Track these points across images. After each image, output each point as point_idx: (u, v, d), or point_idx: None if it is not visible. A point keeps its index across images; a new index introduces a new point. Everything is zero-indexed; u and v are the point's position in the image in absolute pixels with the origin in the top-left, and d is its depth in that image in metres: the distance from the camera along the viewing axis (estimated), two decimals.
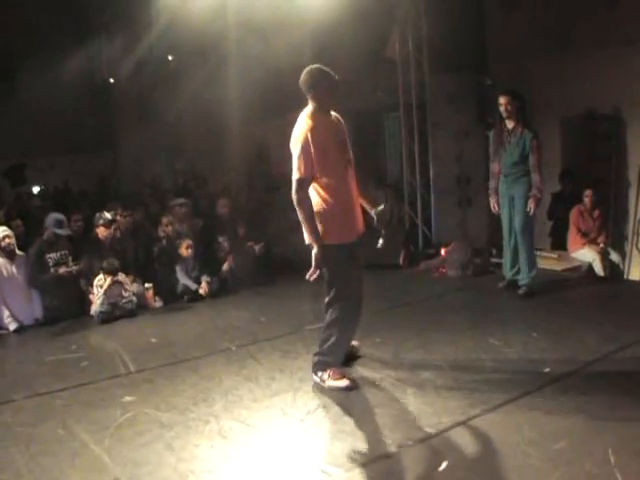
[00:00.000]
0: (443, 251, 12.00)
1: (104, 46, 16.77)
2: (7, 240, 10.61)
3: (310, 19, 13.79)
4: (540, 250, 12.18)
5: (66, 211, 12.08)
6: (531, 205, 9.28)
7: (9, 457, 5.71)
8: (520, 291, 9.73)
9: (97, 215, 11.46)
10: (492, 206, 10.00)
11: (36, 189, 20.36)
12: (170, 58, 17.66)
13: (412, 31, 13.05)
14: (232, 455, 5.22)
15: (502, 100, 9.48)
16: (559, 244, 12.68)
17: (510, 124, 9.59)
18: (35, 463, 5.53)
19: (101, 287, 10.43)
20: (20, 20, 15.40)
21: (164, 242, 11.55)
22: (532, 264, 9.81)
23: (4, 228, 10.83)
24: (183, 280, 11.08)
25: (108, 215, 11.32)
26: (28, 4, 15.00)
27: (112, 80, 19.58)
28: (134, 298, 10.50)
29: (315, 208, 6.48)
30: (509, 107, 9.45)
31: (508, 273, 10.09)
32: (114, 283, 10.46)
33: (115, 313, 10.30)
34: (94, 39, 16.49)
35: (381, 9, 13.01)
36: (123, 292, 10.47)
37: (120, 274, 10.60)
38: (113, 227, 11.34)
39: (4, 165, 19.08)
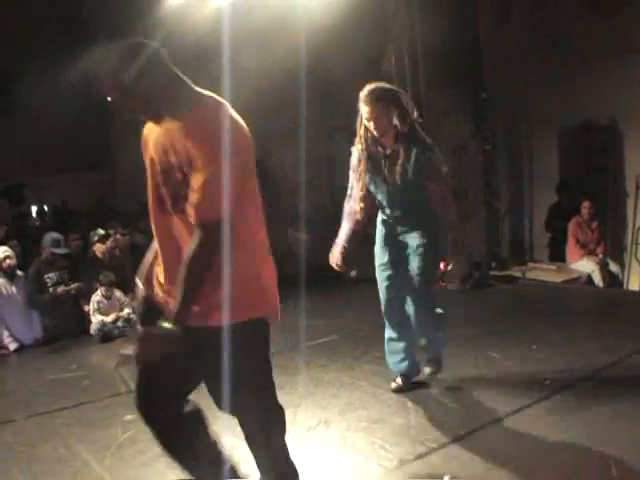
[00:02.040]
0: (442, 265, 11.99)
1: (102, 61, 16.81)
2: (8, 261, 10.63)
3: (305, 34, 13.84)
4: (539, 262, 12.22)
5: (64, 230, 12.12)
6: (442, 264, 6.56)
7: (10, 477, 5.71)
8: (428, 370, 6.87)
9: (92, 233, 11.52)
10: (334, 263, 6.90)
11: (34, 208, 20.38)
12: None
13: (408, 45, 13.08)
14: (234, 473, 5.18)
15: (366, 109, 6.21)
16: (557, 256, 12.71)
17: (387, 143, 6.26)
18: None
19: (97, 303, 10.46)
20: (16, 37, 15.46)
21: None
22: (443, 339, 6.87)
23: (5, 248, 10.85)
24: None
25: (101, 230, 11.37)
26: (25, 21, 15.04)
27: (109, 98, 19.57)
28: (133, 316, 10.50)
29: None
30: (379, 119, 6.12)
31: (401, 366, 6.75)
32: (110, 296, 10.49)
33: (115, 332, 10.31)
34: (90, 55, 16.52)
35: (376, 24, 13.04)
36: (121, 310, 10.50)
37: (117, 291, 10.63)
38: (109, 242, 11.39)
39: (2, 185, 19.11)
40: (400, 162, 6.20)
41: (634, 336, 7.81)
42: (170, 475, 5.16)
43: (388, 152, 6.28)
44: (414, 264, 6.57)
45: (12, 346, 10.58)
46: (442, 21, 12.05)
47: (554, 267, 12.18)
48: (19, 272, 10.86)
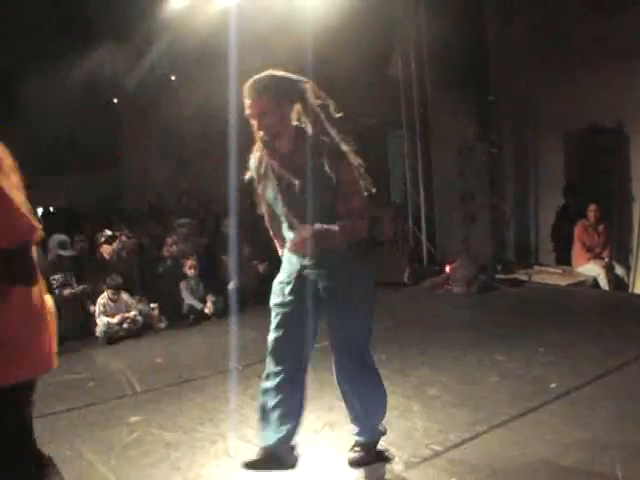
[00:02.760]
0: (448, 268, 11.99)
1: (106, 64, 16.78)
2: None
3: (310, 37, 13.83)
4: (545, 265, 12.21)
5: (70, 232, 12.11)
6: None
7: None
8: (352, 455, 5.26)
9: (98, 234, 11.54)
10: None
11: (39, 210, 20.39)
12: (173, 78, 17.67)
13: (414, 48, 13.09)
14: (239, 475, 5.17)
15: (247, 102, 4.73)
16: (563, 259, 12.69)
17: (281, 146, 4.84)
18: None
19: (103, 305, 10.46)
20: (19, 37, 15.43)
21: (169, 262, 11.55)
22: (382, 408, 5.27)
23: None
24: (188, 300, 11.06)
25: (108, 232, 11.38)
26: (26, 21, 15.01)
27: (115, 100, 19.61)
28: (139, 318, 10.48)
29: None
30: (266, 116, 4.70)
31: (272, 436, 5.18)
32: (117, 299, 10.48)
33: (120, 333, 10.30)
34: (96, 57, 16.50)
35: (382, 27, 13.05)
36: (128, 312, 10.49)
37: (124, 293, 10.62)
38: (116, 244, 11.40)
39: None
40: (295, 173, 4.74)
41: (638, 339, 7.82)
42: (175, 476, 5.16)
43: (283, 160, 4.84)
44: (331, 317, 5.14)
45: None
46: (448, 23, 12.04)
47: (560, 270, 12.19)
48: None
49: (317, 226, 4.64)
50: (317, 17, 12.52)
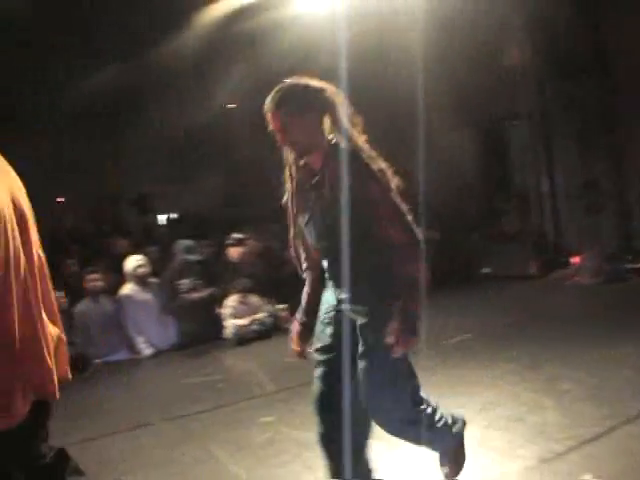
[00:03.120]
0: (575, 259, 11.87)
1: (223, 72, 16.99)
2: (140, 270, 10.93)
3: (423, 33, 13.82)
4: None
5: (197, 237, 12.37)
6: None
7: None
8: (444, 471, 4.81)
9: (226, 238, 11.75)
10: (295, 348, 4.92)
11: (162, 217, 20.80)
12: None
13: (530, 37, 12.97)
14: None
15: (268, 117, 4.16)
16: None
17: (313, 163, 4.27)
18: None
19: (233, 307, 10.63)
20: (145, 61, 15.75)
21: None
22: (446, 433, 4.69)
23: (139, 257, 11.14)
24: None
25: (236, 235, 11.56)
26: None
27: (231, 105, 19.86)
28: (268, 319, 10.65)
29: None
30: (289, 132, 4.11)
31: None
32: (246, 301, 10.65)
33: (250, 335, 10.46)
34: (212, 65, 16.71)
35: (498, 17, 12.97)
36: (257, 314, 10.65)
37: (253, 295, 10.79)
38: (244, 247, 11.57)
39: (132, 194, 19.60)
40: (326, 194, 4.17)
41: None
42: (306, 475, 5.23)
43: (314, 180, 4.26)
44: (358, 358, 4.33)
45: (147, 351, 10.87)
46: (564, 11, 11.92)
47: None
48: (153, 279, 11.16)
49: (394, 325, 4.13)
50: (430, 11, 12.54)
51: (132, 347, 11.01)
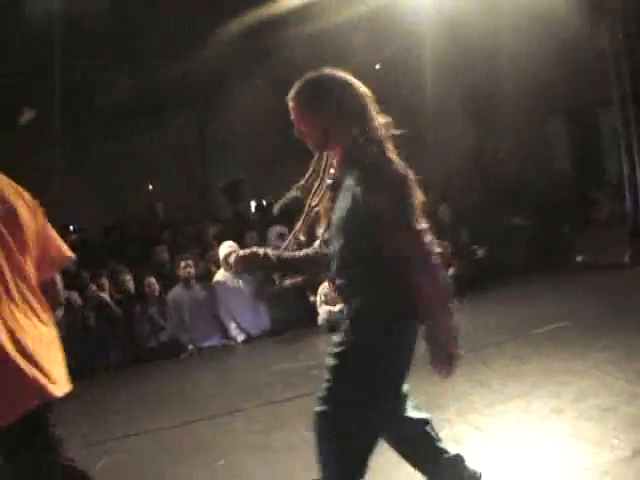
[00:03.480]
0: (628, 254, 11.69)
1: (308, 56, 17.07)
2: (233, 255, 11.05)
3: (511, 18, 13.72)
4: None
5: (289, 224, 12.44)
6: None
7: (242, 464, 5.94)
8: None
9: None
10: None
11: (253, 203, 20.90)
12: (377, 67, 17.75)
13: (622, 18, 12.71)
14: (467, 461, 5.24)
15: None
16: None
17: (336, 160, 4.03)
18: (269, 470, 5.73)
19: (325, 294, 10.68)
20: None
21: None
22: None
23: (230, 243, 11.23)
24: None
25: None
26: None
27: None
28: None
29: None
30: (303, 123, 3.94)
31: None
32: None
33: (342, 321, 10.49)
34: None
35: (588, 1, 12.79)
36: None
37: None
38: None
39: (223, 182, 19.75)
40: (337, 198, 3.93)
41: None
42: (396, 461, 5.15)
43: (329, 181, 4.06)
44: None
45: (240, 338, 11.00)
46: None
47: None
48: None
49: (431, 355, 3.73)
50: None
51: (225, 333, 11.15)
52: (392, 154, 3.76)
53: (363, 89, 3.89)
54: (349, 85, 3.88)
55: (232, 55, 16.28)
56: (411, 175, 3.68)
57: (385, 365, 3.78)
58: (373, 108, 3.86)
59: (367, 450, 3.77)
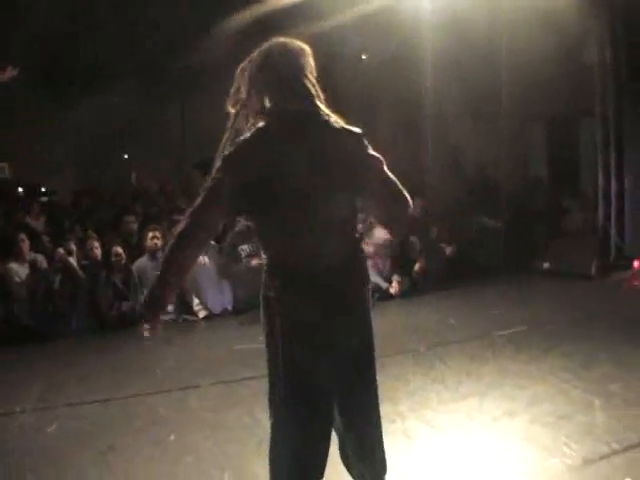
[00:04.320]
0: (636, 263, 11.76)
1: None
2: None
3: (503, 23, 13.75)
4: None
5: None
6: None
7: (193, 441, 5.91)
8: None
9: None
10: None
11: None
12: (363, 57, 17.70)
13: (610, 33, 12.77)
14: (416, 456, 5.23)
15: None
16: None
17: None
18: (219, 449, 5.71)
19: None
20: None
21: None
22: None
23: None
24: (373, 278, 11.16)
25: None
26: None
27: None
28: None
29: None
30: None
31: None
32: None
33: None
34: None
35: (578, 13, 12.80)
36: None
37: None
38: None
39: (196, 158, 19.73)
40: None
41: None
42: None
43: None
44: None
45: (201, 314, 10.98)
46: None
47: None
48: (212, 242, 11.21)
49: None
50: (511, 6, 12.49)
51: (187, 308, 11.11)
52: (263, 133, 3.67)
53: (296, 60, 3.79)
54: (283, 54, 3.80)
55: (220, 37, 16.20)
56: (239, 156, 3.68)
57: None
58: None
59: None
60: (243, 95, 3.87)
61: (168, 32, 16.63)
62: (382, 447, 3.95)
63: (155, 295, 3.73)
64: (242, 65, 3.88)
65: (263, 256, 3.84)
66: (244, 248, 11.28)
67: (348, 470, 3.99)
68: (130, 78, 17.86)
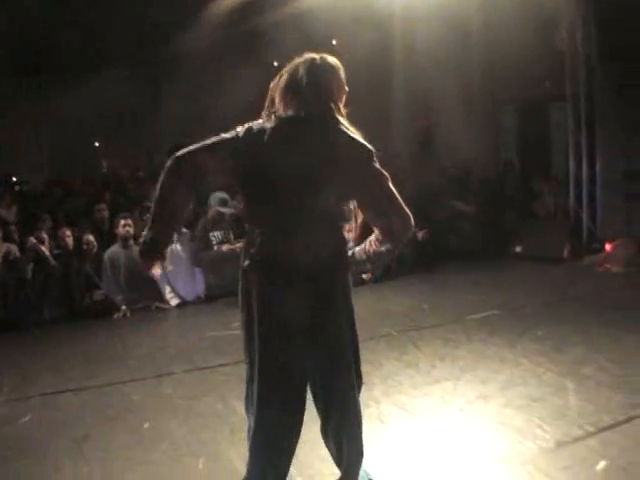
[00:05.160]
0: (608, 246, 11.80)
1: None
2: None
3: (475, 6, 13.76)
4: None
5: (231, 190, 12.39)
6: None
7: (168, 428, 5.91)
8: None
9: None
10: None
11: None
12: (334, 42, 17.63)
13: (581, 18, 12.79)
14: (390, 440, 5.24)
15: None
16: None
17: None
18: (193, 436, 5.70)
19: None
20: None
21: None
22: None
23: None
24: None
25: None
26: None
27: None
28: None
29: None
30: None
31: None
32: None
33: None
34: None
35: None
36: None
37: None
38: None
39: (170, 144, 19.66)
40: None
41: None
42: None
43: None
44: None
45: (174, 302, 10.96)
46: None
47: None
48: (184, 229, 11.19)
49: None
50: None
51: (159, 296, 11.08)
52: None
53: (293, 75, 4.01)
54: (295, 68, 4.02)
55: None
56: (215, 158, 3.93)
57: None
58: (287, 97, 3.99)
59: None
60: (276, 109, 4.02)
61: (141, 22, 16.51)
62: (359, 432, 4.09)
63: (152, 239, 3.93)
64: (275, 79, 4.06)
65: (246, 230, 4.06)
66: (216, 235, 11.26)
67: (329, 452, 4.20)
68: (102, 67, 17.72)
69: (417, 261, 12.06)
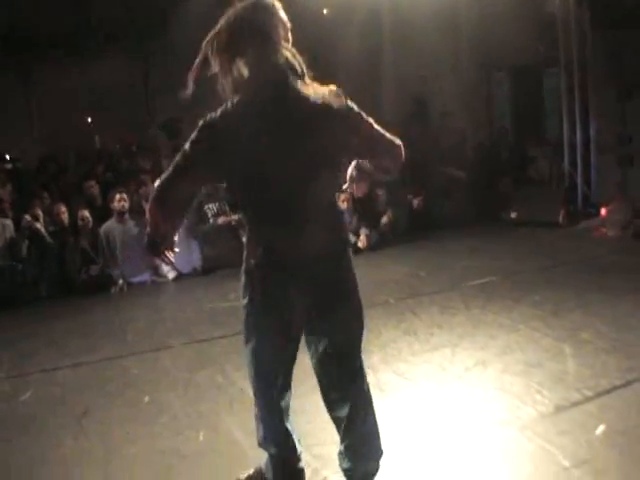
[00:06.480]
0: (603, 211, 11.78)
1: None
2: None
3: None
4: None
5: None
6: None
7: (167, 401, 5.94)
8: None
9: None
10: None
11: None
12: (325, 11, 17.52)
13: None
14: (389, 408, 5.19)
15: None
16: None
17: None
18: (193, 408, 5.73)
19: None
20: None
21: None
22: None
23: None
24: None
25: None
26: None
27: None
28: None
29: None
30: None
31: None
32: None
33: None
34: None
35: None
36: None
37: None
38: None
39: (162, 118, 19.55)
40: None
41: None
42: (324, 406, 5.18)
43: None
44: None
45: (171, 275, 10.95)
46: None
47: None
48: None
49: None
50: None
51: (155, 269, 11.07)
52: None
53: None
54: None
55: None
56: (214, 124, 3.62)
57: None
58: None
59: None
60: (216, 67, 3.68)
61: None
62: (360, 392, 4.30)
63: (153, 239, 3.94)
64: (210, 35, 3.69)
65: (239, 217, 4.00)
66: (211, 207, 11.26)
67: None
68: (92, 41, 17.62)
69: (412, 228, 12.06)
